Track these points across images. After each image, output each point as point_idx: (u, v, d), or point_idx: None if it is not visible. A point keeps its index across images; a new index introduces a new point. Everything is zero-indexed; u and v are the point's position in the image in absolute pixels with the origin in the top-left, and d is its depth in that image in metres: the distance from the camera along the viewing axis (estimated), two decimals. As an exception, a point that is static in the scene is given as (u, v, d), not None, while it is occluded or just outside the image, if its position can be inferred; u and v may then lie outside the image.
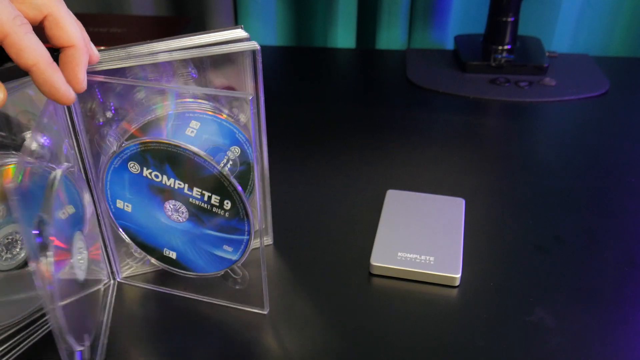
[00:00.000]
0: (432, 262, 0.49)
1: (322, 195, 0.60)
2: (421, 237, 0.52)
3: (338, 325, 0.45)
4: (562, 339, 0.44)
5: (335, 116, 0.76)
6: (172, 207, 0.45)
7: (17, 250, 0.42)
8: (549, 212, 0.57)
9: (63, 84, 0.36)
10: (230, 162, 0.48)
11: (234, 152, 0.48)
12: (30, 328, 0.44)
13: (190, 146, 0.42)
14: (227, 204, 0.44)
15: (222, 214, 0.44)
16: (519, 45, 0.87)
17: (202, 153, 0.42)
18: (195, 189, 0.44)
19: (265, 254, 0.53)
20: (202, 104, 0.47)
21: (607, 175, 0.63)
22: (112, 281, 0.50)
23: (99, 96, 0.44)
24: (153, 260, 0.49)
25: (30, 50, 0.34)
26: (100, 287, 0.47)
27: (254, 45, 0.44)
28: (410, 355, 0.43)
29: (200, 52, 0.43)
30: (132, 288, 0.49)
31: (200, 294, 0.48)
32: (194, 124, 0.46)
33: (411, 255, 0.50)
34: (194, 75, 0.47)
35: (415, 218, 0.54)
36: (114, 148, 0.43)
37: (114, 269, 0.50)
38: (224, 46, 0.43)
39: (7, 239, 0.41)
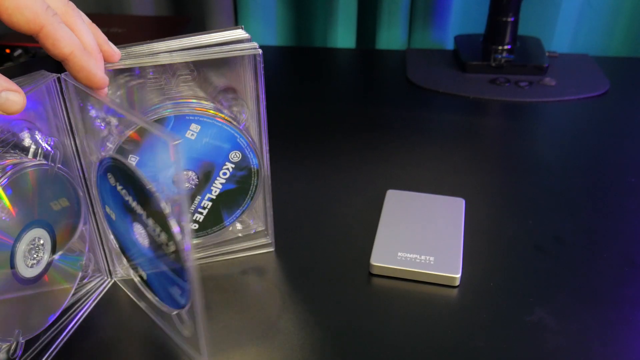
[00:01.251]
0: (432, 262, 0.49)
1: (322, 195, 0.60)
2: (421, 237, 0.52)
3: (338, 325, 0.45)
4: (562, 339, 0.44)
5: (335, 116, 0.76)
6: (138, 229, 0.42)
7: (41, 254, 0.42)
8: (549, 212, 0.57)
9: (99, 69, 0.38)
10: (228, 174, 0.48)
11: (236, 156, 0.48)
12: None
13: (138, 172, 0.38)
14: (172, 246, 0.38)
15: (168, 254, 0.39)
16: (519, 45, 0.87)
17: (146, 182, 0.37)
18: (150, 219, 0.39)
19: (265, 254, 0.53)
20: (203, 105, 0.47)
21: (607, 175, 0.63)
22: (107, 279, 0.50)
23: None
24: (132, 275, 0.47)
25: (65, 40, 0.36)
26: (70, 286, 0.46)
27: (256, 49, 0.43)
28: (410, 355, 0.43)
29: (201, 55, 0.43)
30: (128, 288, 0.49)
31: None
32: (194, 127, 0.46)
33: (411, 255, 0.50)
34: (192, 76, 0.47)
35: (415, 218, 0.54)
36: (100, 154, 0.43)
37: (111, 268, 0.50)
38: (224, 47, 0.43)
39: (31, 244, 0.41)
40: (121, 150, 0.43)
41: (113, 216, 0.44)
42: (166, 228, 0.37)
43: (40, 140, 0.42)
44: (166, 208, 0.37)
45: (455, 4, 0.94)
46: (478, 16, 0.92)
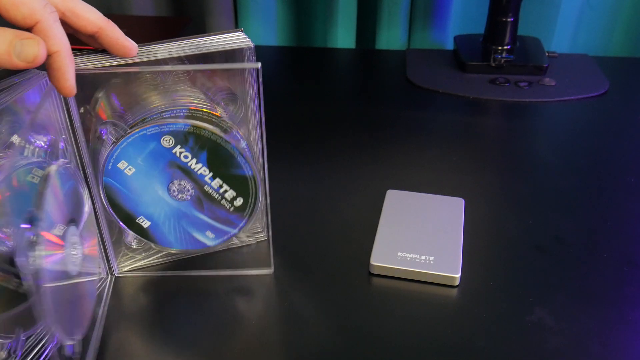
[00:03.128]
0: (432, 262, 0.49)
1: (322, 195, 0.60)
2: (421, 237, 0.52)
3: (338, 325, 0.45)
4: (561, 338, 0.44)
5: (335, 116, 0.76)
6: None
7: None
8: (549, 212, 0.57)
9: (73, 76, 0.38)
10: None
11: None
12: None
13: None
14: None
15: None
16: (518, 45, 0.87)
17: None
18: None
19: (264, 254, 0.53)
20: (198, 101, 0.47)
21: (607, 175, 0.63)
22: (109, 276, 0.50)
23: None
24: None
25: (56, 38, 0.36)
26: (96, 282, 0.47)
27: (255, 63, 0.43)
28: (410, 355, 0.43)
29: (200, 66, 0.45)
30: (128, 284, 0.50)
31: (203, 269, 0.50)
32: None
33: (411, 255, 0.50)
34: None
35: (415, 218, 0.54)
36: (113, 138, 0.44)
37: (112, 265, 0.50)
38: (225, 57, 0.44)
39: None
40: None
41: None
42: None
43: (36, 139, 0.42)
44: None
45: (455, 4, 0.94)
46: (478, 16, 0.92)
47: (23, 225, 0.35)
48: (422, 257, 0.50)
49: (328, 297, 0.48)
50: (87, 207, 0.45)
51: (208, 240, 0.50)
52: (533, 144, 0.70)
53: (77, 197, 0.44)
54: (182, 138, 0.45)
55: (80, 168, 0.45)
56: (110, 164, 0.45)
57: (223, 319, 0.46)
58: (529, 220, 0.56)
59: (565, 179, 0.63)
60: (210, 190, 0.48)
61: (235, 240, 0.53)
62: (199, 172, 0.47)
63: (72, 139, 0.44)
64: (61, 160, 0.42)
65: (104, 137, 0.45)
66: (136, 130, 0.44)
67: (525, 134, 0.72)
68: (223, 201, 0.48)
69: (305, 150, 0.68)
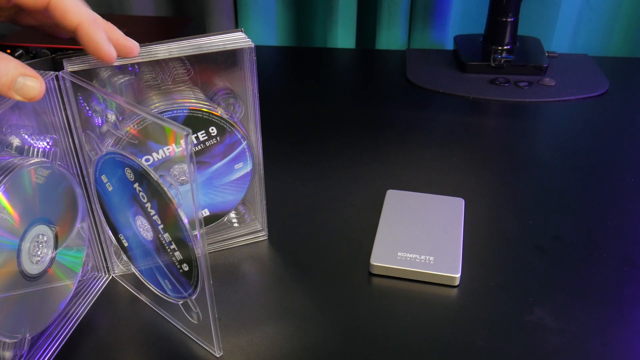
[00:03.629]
0: (431, 262, 0.49)
1: (322, 195, 0.60)
2: (421, 237, 0.52)
3: (338, 325, 0.45)
4: (561, 338, 0.44)
5: (335, 116, 0.76)
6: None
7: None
8: (549, 212, 0.57)
9: (105, 42, 0.38)
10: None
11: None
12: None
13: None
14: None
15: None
16: (518, 45, 0.87)
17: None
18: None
19: (263, 253, 0.53)
20: (198, 101, 0.47)
21: (606, 175, 0.63)
22: (106, 275, 0.50)
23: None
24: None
25: (74, 12, 0.36)
26: (71, 282, 0.46)
27: (249, 43, 0.44)
28: (410, 355, 0.43)
29: (195, 50, 0.44)
30: (126, 283, 0.49)
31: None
32: None
33: (411, 255, 0.50)
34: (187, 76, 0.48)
35: (415, 218, 0.54)
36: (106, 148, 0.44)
37: (109, 264, 0.50)
38: (218, 42, 0.44)
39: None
40: (126, 146, 0.44)
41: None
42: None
43: (35, 139, 0.42)
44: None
45: (455, 4, 0.94)
46: (478, 16, 0.92)
47: None
48: (422, 257, 0.50)
49: (328, 297, 0.48)
50: (81, 207, 0.45)
51: (167, 289, 0.45)
52: (533, 144, 0.70)
53: (66, 197, 0.44)
54: (139, 177, 0.40)
55: (79, 168, 0.45)
56: (97, 173, 0.45)
57: (220, 319, 0.46)
58: (529, 220, 0.56)
59: (565, 179, 0.63)
60: (163, 242, 0.42)
61: (234, 221, 0.53)
62: (154, 218, 0.41)
63: (71, 139, 0.44)
64: (41, 159, 0.41)
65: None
66: (109, 151, 0.42)
67: (525, 134, 0.72)
68: (174, 259, 0.42)
69: (305, 150, 0.68)
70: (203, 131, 0.47)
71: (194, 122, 0.46)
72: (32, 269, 0.41)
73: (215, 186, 0.50)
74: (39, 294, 0.42)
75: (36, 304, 0.42)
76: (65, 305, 0.45)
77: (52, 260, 0.43)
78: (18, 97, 0.35)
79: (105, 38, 0.38)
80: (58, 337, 0.44)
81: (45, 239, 0.42)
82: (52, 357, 0.43)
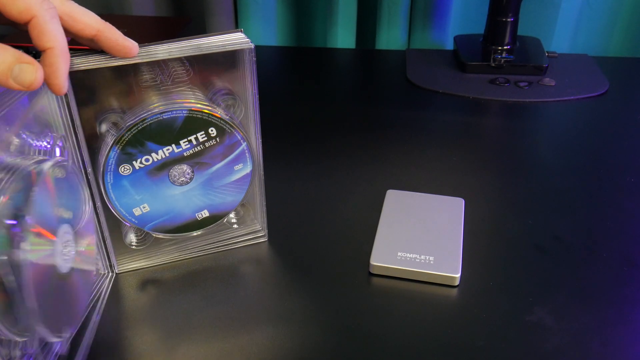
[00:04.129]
0: (431, 262, 0.49)
1: (322, 195, 0.60)
2: (421, 237, 0.52)
3: (338, 325, 0.45)
4: (561, 338, 0.44)
5: (335, 116, 0.76)
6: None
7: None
8: (549, 212, 0.57)
9: (64, 75, 0.38)
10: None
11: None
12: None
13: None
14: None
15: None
16: (518, 45, 0.87)
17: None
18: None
19: (263, 253, 0.53)
20: (198, 101, 0.47)
21: (606, 175, 0.63)
22: (110, 274, 0.50)
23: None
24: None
25: (51, 35, 0.36)
26: (91, 280, 0.47)
27: (248, 43, 0.44)
28: (410, 355, 0.43)
29: (195, 51, 0.44)
30: (128, 282, 0.50)
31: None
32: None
33: (411, 255, 0.50)
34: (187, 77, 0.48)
35: (415, 218, 0.54)
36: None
37: (112, 262, 0.50)
38: (218, 43, 0.44)
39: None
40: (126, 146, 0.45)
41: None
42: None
43: (40, 139, 0.42)
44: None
45: (455, 4, 0.94)
46: (478, 16, 0.92)
47: (8, 221, 0.35)
48: (422, 257, 0.50)
49: (328, 297, 0.48)
50: (86, 205, 0.45)
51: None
52: (533, 144, 0.70)
53: (76, 195, 0.44)
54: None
55: (81, 166, 0.45)
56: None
57: (220, 319, 0.46)
58: (529, 220, 0.56)
59: (565, 179, 0.63)
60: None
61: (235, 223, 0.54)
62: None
63: (73, 137, 0.44)
64: (57, 157, 0.42)
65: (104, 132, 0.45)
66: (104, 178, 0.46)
67: (525, 134, 0.72)
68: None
69: (304, 150, 0.68)
70: (203, 132, 0.47)
71: (194, 122, 0.46)
72: (63, 267, 0.41)
73: (214, 187, 0.50)
74: (69, 290, 0.43)
75: (69, 299, 0.43)
76: (91, 294, 0.47)
77: (74, 256, 0.43)
78: (16, 86, 0.35)
79: (65, 71, 0.38)
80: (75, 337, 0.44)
81: (69, 237, 0.42)
82: (59, 356, 0.43)
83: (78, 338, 0.44)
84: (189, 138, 0.46)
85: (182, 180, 0.48)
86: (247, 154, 0.49)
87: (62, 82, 0.38)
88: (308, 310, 0.47)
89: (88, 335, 0.44)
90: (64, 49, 0.37)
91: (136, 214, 0.49)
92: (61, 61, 0.37)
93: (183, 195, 0.49)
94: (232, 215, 0.53)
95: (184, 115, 0.45)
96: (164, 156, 0.47)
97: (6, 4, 0.35)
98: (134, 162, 0.46)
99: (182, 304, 0.48)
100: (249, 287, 0.50)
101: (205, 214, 0.51)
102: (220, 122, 0.47)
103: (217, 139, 0.48)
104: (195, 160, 0.48)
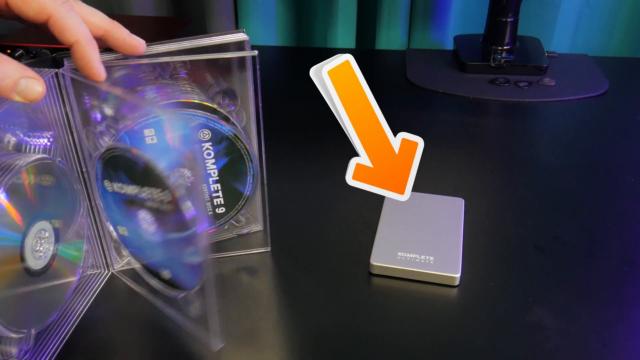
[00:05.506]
0: (431, 262, 0.49)
1: (322, 195, 0.60)
2: (421, 237, 0.52)
3: (338, 325, 0.45)
4: (561, 338, 0.44)
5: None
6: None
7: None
8: (549, 212, 0.57)
9: (98, 61, 0.39)
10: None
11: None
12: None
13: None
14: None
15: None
16: (518, 45, 0.87)
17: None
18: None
19: (262, 253, 0.53)
20: (198, 95, 0.47)
21: (606, 175, 0.63)
22: (105, 271, 0.50)
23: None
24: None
25: (72, 29, 0.37)
26: (73, 279, 0.46)
27: (252, 51, 0.45)
28: (410, 355, 0.43)
29: (198, 56, 0.44)
30: (124, 281, 0.49)
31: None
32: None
33: (411, 255, 0.50)
34: (182, 74, 0.47)
35: (415, 218, 0.54)
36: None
37: (109, 260, 0.50)
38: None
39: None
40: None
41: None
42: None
43: (33, 137, 0.42)
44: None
45: (455, 4, 0.94)
46: (478, 16, 0.92)
47: None
48: (422, 257, 0.50)
49: (328, 297, 0.48)
50: (80, 209, 0.45)
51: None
52: (533, 144, 0.70)
53: (65, 194, 0.44)
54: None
55: (78, 165, 0.45)
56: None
57: (218, 319, 0.46)
58: (529, 220, 0.56)
59: (565, 179, 0.63)
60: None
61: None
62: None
63: (70, 136, 0.44)
64: (37, 156, 0.41)
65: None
66: (110, 146, 0.42)
67: (525, 134, 0.72)
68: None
69: (304, 150, 0.68)
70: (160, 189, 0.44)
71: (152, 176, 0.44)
72: (35, 264, 0.41)
73: (174, 254, 0.47)
74: (43, 289, 0.43)
75: (40, 298, 0.43)
76: (69, 297, 0.46)
77: (54, 255, 0.43)
78: (19, 99, 0.36)
79: (98, 58, 0.39)
80: (60, 333, 0.44)
81: (46, 234, 0.42)
82: (55, 353, 0.43)
83: (75, 335, 0.44)
84: (150, 190, 0.39)
85: (147, 227, 0.42)
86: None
87: (98, 70, 0.39)
88: (308, 310, 0.47)
89: (88, 333, 0.44)
90: (88, 38, 0.38)
91: (120, 232, 0.46)
92: (90, 50, 0.38)
93: (151, 243, 0.43)
94: (236, 223, 0.53)
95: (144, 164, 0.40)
96: (131, 193, 0.42)
97: (21, 7, 0.36)
98: (113, 184, 0.43)
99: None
100: (248, 286, 0.50)
101: (167, 274, 0.44)
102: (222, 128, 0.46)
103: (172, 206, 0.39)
104: (158, 216, 0.41)
